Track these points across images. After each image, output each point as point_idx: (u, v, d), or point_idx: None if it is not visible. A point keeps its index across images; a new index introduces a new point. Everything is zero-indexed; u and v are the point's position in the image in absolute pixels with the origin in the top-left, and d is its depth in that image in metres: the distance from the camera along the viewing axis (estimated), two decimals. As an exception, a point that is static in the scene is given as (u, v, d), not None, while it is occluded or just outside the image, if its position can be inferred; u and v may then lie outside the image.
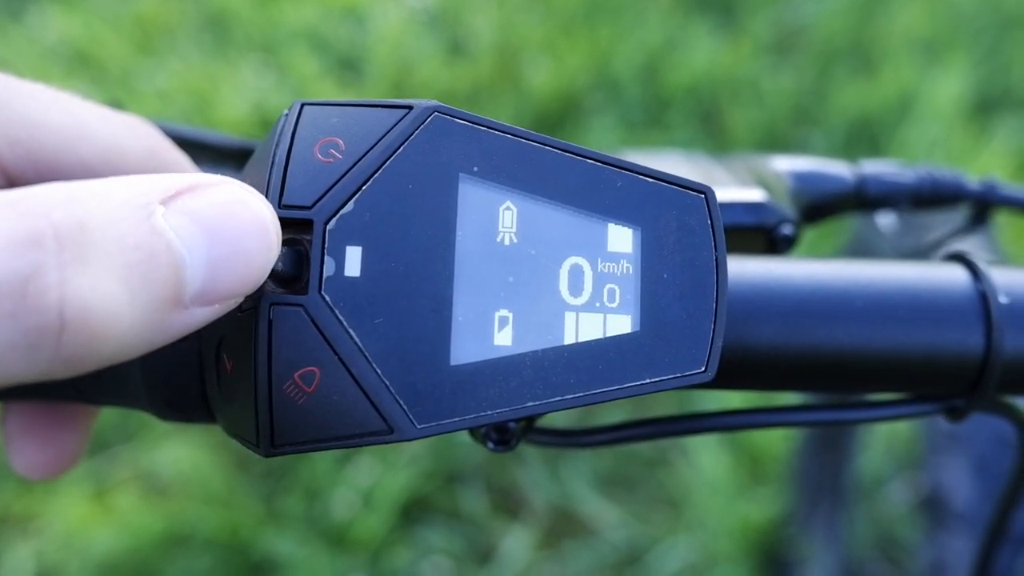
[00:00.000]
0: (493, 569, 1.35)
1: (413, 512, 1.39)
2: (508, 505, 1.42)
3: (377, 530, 1.35)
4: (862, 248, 0.97)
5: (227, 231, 0.25)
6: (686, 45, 1.96)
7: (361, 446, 0.28)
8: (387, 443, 0.27)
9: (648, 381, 0.29)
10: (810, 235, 0.42)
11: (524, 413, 0.28)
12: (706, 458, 1.40)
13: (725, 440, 1.43)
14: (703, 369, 0.29)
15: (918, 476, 1.27)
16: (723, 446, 1.42)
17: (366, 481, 1.39)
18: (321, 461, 1.39)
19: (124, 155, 0.33)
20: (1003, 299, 0.35)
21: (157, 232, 0.24)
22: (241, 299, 0.27)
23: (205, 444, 1.43)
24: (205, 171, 0.36)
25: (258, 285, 0.26)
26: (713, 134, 1.86)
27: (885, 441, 1.41)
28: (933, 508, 0.89)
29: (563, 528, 1.40)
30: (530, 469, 1.43)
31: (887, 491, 1.39)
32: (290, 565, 1.31)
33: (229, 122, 1.79)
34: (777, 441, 1.42)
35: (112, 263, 0.23)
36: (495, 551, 1.36)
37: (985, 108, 1.91)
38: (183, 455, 1.41)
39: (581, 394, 0.28)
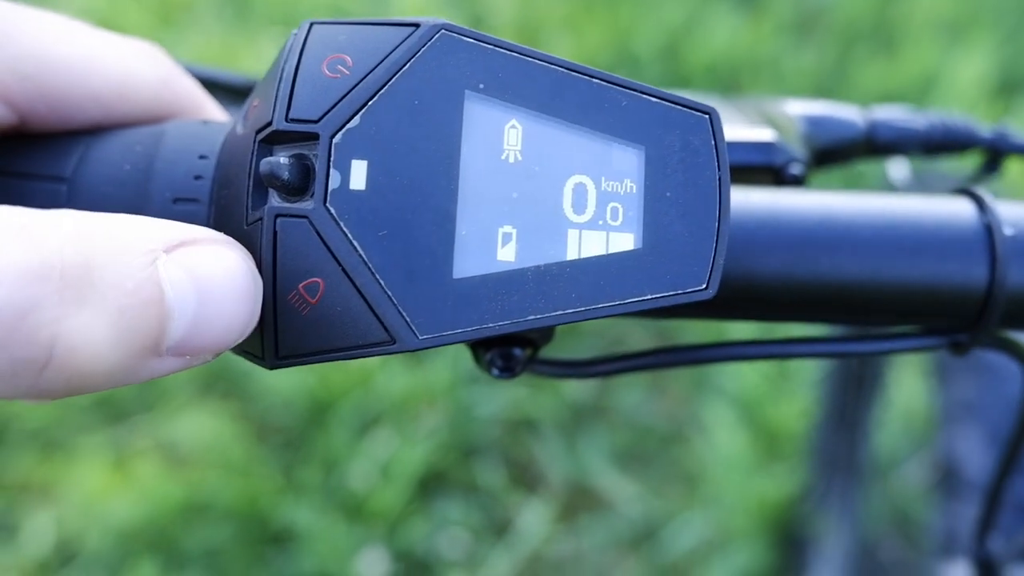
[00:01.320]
0: (510, 542, 1.35)
1: (430, 485, 1.40)
2: (525, 479, 1.42)
3: (394, 502, 1.35)
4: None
5: (218, 293, 0.26)
6: (707, 24, 1.95)
7: (364, 357, 0.28)
8: (389, 354, 0.27)
9: (649, 297, 0.29)
10: (818, 183, 0.42)
11: (526, 326, 0.28)
12: (723, 434, 1.40)
13: (742, 416, 1.43)
14: (704, 286, 0.29)
15: (934, 454, 1.27)
16: (740, 422, 1.42)
17: (383, 453, 1.39)
18: (339, 433, 1.40)
19: (137, 86, 0.33)
20: (1008, 231, 0.35)
21: (154, 281, 0.25)
22: (213, 356, 0.27)
23: (225, 414, 1.44)
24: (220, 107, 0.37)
25: (233, 345, 0.27)
26: (733, 113, 1.85)
27: (902, 420, 1.41)
28: (946, 477, 0.89)
29: (579, 502, 1.40)
30: (547, 444, 1.44)
31: (903, 470, 1.39)
32: (308, 535, 1.32)
33: (249, 96, 1.79)
34: (794, 418, 1.42)
35: (106, 306, 0.24)
36: (512, 524, 1.37)
37: (1008, 89, 1.90)
38: (203, 425, 1.42)
39: (583, 308, 0.28)
